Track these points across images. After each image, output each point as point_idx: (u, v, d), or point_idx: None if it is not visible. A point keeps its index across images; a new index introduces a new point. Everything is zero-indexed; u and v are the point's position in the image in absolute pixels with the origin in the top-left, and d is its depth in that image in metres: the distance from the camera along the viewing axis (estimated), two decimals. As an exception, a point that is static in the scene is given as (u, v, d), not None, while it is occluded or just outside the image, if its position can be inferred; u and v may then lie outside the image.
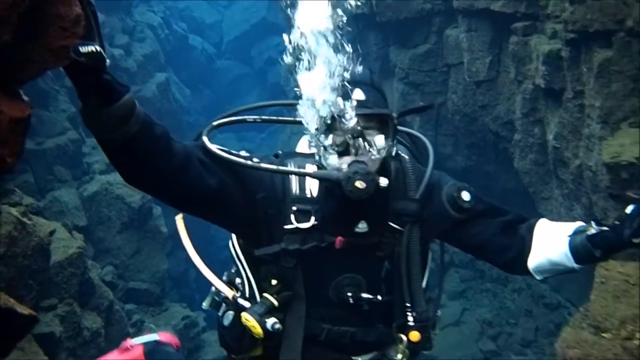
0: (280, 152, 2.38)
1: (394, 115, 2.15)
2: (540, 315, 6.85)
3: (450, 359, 7.07)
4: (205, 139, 2.12)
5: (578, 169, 4.77)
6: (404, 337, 2.21)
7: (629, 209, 1.93)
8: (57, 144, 7.14)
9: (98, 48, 1.54)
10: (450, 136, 7.25)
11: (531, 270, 2.24)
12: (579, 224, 2.15)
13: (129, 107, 1.75)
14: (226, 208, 2.17)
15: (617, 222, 1.98)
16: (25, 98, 1.51)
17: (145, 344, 3.34)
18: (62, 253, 4.63)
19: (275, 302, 2.16)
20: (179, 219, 2.45)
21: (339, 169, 2.08)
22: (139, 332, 6.89)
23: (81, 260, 4.84)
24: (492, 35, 5.99)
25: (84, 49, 1.49)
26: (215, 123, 2.28)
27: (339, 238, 2.15)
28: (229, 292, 2.32)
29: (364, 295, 2.21)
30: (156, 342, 3.32)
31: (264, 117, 2.49)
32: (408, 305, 2.20)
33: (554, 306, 6.70)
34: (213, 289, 2.49)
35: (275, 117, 2.53)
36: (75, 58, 1.48)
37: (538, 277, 2.26)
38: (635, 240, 1.87)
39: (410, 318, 2.20)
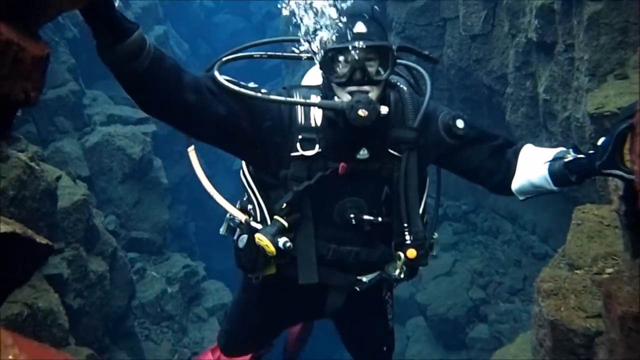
0: (286, 85, 2.55)
1: (394, 47, 2.30)
2: (528, 265, 7.09)
3: (442, 306, 7.39)
4: (216, 73, 2.28)
5: (567, 121, 4.91)
6: (401, 255, 2.42)
7: (601, 140, 2.09)
8: (58, 95, 7.22)
9: None
10: (445, 90, 7.34)
11: (514, 191, 2.46)
12: (560, 149, 2.35)
13: (139, 43, 1.92)
14: (235, 135, 2.35)
15: (590, 152, 2.15)
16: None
17: None
18: (67, 199, 4.80)
19: (285, 223, 2.38)
20: (191, 151, 2.63)
21: (342, 99, 2.24)
22: (141, 279, 7.16)
23: (86, 207, 5.01)
24: (487, -12, 6.06)
25: None
26: (224, 59, 2.43)
27: (342, 164, 2.35)
28: (242, 217, 2.53)
29: (366, 217, 2.43)
30: None
31: (269, 52, 2.63)
32: (405, 225, 2.41)
33: (541, 256, 6.92)
34: (228, 215, 2.71)
35: (280, 53, 2.67)
36: None
37: (521, 198, 2.51)
38: (604, 170, 2.05)
39: (407, 237, 2.41)
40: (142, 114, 7.58)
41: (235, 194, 2.72)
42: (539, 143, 5.68)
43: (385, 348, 3.09)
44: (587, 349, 2.41)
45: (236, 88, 2.27)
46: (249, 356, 3.21)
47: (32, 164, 3.81)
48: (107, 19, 1.80)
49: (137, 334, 6.29)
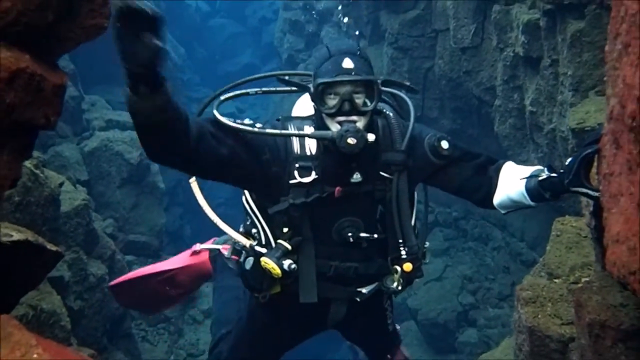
0: (280, 117, 2.73)
1: (379, 80, 2.50)
2: (516, 271, 7.25)
3: (432, 310, 7.57)
4: (216, 113, 2.44)
5: (552, 133, 5.09)
6: (398, 268, 2.61)
7: (568, 161, 2.28)
8: (58, 101, 7.35)
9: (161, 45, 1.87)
10: (437, 100, 7.52)
11: (496, 206, 2.66)
12: (536, 168, 2.53)
13: (167, 97, 2.08)
14: (238, 171, 2.53)
15: (561, 171, 2.33)
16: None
17: (210, 250, 3.68)
18: (68, 204, 4.95)
19: (289, 246, 2.56)
20: (193, 182, 2.80)
21: (332, 129, 2.43)
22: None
23: (86, 211, 5.17)
24: (476, 3, 6.22)
25: (155, 42, 1.85)
26: (222, 98, 2.61)
27: (338, 188, 2.54)
28: (246, 242, 2.71)
29: (362, 234, 2.61)
30: (219, 251, 3.59)
31: (264, 89, 2.81)
32: (400, 241, 2.60)
33: (530, 263, 7.09)
34: (232, 240, 2.88)
35: (274, 89, 2.86)
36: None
37: (502, 212, 2.70)
38: (572, 188, 2.22)
39: (403, 252, 2.60)
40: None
41: (230, 197, 2.88)
42: (526, 154, 5.92)
43: (388, 342, 3.26)
44: (562, 354, 2.57)
45: (236, 126, 2.44)
46: None
47: (37, 171, 3.95)
48: (152, 73, 1.98)
49: (135, 335, 6.43)
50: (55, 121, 1.70)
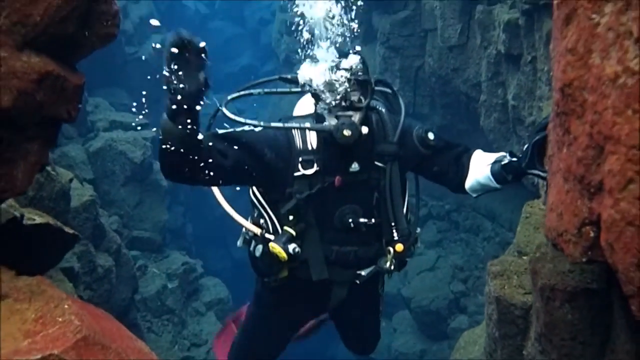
0: (281, 118, 3.04)
1: (372, 80, 2.80)
2: (506, 260, 7.52)
3: (425, 298, 7.87)
4: (225, 110, 2.72)
5: (532, 126, 5.37)
6: (391, 249, 2.91)
7: (524, 146, 2.60)
8: (63, 103, 7.65)
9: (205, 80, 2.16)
10: (427, 97, 7.81)
11: (467, 189, 3.00)
12: (500, 154, 2.86)
13: (198, 128, 2.38)
14: (243, 175, 2.82)
15: (520, 155, 2.66)
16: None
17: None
18: (77, 200, 5.24)
19: (294, 232, 2.84)
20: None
21: (330, 122, 2.73)
22: (143, 275, 7.59)
23: (94, 207, 5.47)
24: (462, 4, 6.51)
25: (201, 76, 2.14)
26: (229, 97, 2.86)
27: (338, 178, 2.83)
28: (257, 230, 2.98)
29: (361, 220, 2.89)
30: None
31: (266, 90, 3.11)
32: (393, 224, 2.89)
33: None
34: (243, 230, 3.15)
35: (275, 90, 3.15)
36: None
37: (473, 195, 3.03)
38: (528, 170, 2.56)
39: (395, 234, 2.89)
40: (143, 120, 8.05)
41: (234, 191, 3.16)
42: (510, 146, 6.22)
43: (375, 334, 3.59)
44: (525, 319, 2.86)
45: (241, 129, 2.73)
46: None
47: (48, 167, 4.25)
48: (189, 114, 2.29)
49: (140, 326, 6.73)
50: (76, 116, 2.00)
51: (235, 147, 2.73)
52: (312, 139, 2.87)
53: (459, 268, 7.99)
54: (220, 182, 2.82)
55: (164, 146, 2.42)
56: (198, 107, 2.34)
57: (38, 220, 2.56)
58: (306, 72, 2.70)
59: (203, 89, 2.25)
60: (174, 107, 2.28)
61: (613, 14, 1.48)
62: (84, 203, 5.34)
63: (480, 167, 2.90)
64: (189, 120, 2.33)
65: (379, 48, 8.12)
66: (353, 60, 2.71)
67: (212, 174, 2.65)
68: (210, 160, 2.61)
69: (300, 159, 2.82)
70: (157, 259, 8.06)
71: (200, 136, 2.45)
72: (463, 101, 7.25)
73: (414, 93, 7.82)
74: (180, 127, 2.33)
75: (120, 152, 7.93)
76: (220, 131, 2.74)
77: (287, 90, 3.06)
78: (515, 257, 3.40)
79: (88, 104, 8.45)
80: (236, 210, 3.09)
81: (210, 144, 2.66)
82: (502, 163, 2.76)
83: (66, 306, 1.66)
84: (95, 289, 5.33)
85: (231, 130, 2.79)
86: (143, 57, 10.43)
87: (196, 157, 2.51)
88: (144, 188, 8.32)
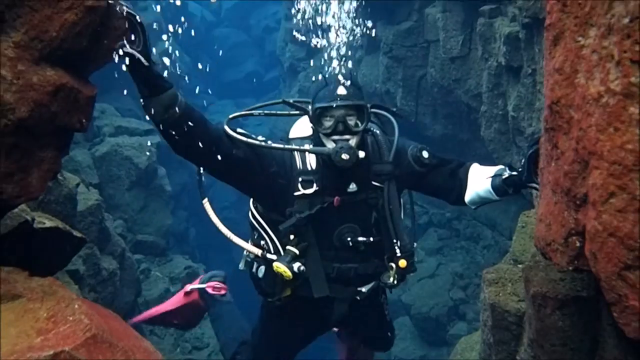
0: (282, 138, 3.15)
1: (368, 105, 2.92)
2: (505, 268, 7.59)
3: (425, 305, 7.95)
4: (226, 127, 2.80)
5: (532, 137, 5.46)
6: (394, 265, 3.00)
7: (522, 161, 2.71)
8: (70, 109, 7.76)
9: (136, 53, 2.23)
10: (430, 106, 7.89)
11: (467, 202, 3.11)
12: (499, 167, 2.98)
13: (171, 98, 2.48)
14: (248, 175, 2.92)
15: (519, 169, 2.76)
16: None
17: (199, 290, 4.01)
18: (83, 204, 5.33)
19: (297, 251, 2.93)
20: (206, 202, 3.13)
21: (328, 146, 2.84)
22: (146, 279, 7.67)
23: (99, 211, 5.56)
24: (464, 16, 6.61)
25: (125, 50, 2.20)
26: (231, 116, 2.96)
27: (336, 198, 2.93)
28: (258, 252, 3.07)
29: (360, 238, 3.00)
30: (205, 290, 3.96)
31: (266, 111, 3.22)
32: (395, 241, 2.99)
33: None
34: (245, 253, 3.23)
35: (274, 112, 3.26)
36: (119, 54, 2.19)
37: (473, 207, 3.17)
38: (528, 184, 2.69)
39: (397, 251, 2.99)
40: (148, 126, 8.17)
41: (236, 202, 3.26)
42: (509, 156, 6.31)
43: (387, 333, 3.67)
44: (518, 325, 2.94)
45: (244, 138, 2.82)
46: None
47: (57, 172, 4.35)
48: (147, 78, 2.39)
49: (143, 328, 6.80)
50: (88, 125, 2.10)
51: (247, 148, 2.83)
52: (311, 160, 2.97)
53: (458, 275, 8.06)
54: (225, 170, 2.88)
55: (159, 126, 2.56)
56: (164, 83, 2.47)
57: (48, 224, 2.66)
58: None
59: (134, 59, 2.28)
60: (137, 79, 2.39)
61: (597, 38, 1.57)
62: (90, 207, 5.43)
63: (480, 180, 3.00)
64: (149, 92, 2.45)
65: (382, 58, 8.22)
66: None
67: (218, 157, 2.74)
68: (219, 144, 2.72)
69: (300, 179, 2.92)
70: (160, 263, 8.14)
71: (186, 111, 2.55)
72: (464, 111, 7.34)
73: (416, 103, 7.91)
74: (145, 98, 2.46)
75: (125, 157, 8.02)
76: (232, 132, 2.83)
77: (287, 112, 3.18)
78: (511, 265, 3.49)
79: (94, 109, 8.51)
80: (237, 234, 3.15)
81: (222, 131, 2.78)
82: (504, 177, 2.87)
83: (76, 306, 1.75)
84: (100, 292, 5.41)
85: (245, 132, 2.89)
86: (149, 64, 10.46)
87: (189, 132, 2.59)
88: (148, 193, 8.41)
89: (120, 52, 2.18)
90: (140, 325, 6.66)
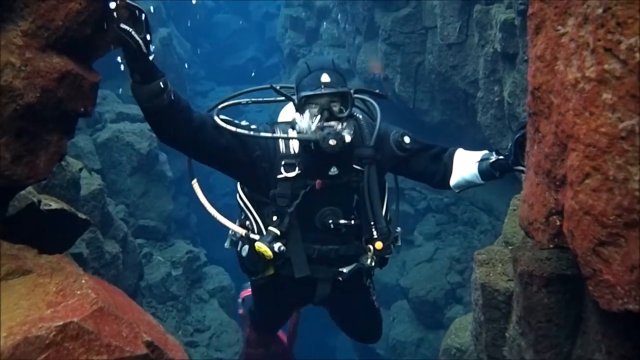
0: (268, 122, 3.23)
1: (352, 91, 2.99)
2: (501, 253, 7.70)
3: (422, 289, 8.08)
4: (216, 118, 2.87)
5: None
6: (371, 247, 3.10)
7: (509, 145, 2.80)
8: (72, 95, 7.84)
9: (135, 35, 2.31)
10: (427, 92, 7.95)
11: (452, 186, 3.19)
12: (484, 152, 3.06)
13: (161, 86, 2.55)
14: (232, 160, 3.00)
15: (506, 153, 2.85)
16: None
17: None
18: (86, 189, 5.44)
19: (278, 232, 3.02)
20: (195, 183, 3.21)
21: (315, 132, 2.91)
22: (148, 263, 7.80)
23: (102, 195, 5.67)
24: (461, 2, 6.64)
25: (122, 27, 2.25)
26: (220, 106, 3.02)
27: (318, 181, 3.01)
28: (242, 231, 3.15)
29: (341, 221, 3.08)
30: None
31: (253, 99, 3.28)
32: (372, 223, 3.07)
33: (514, 244, 7.52)
34: (230, 232, 3.33)
35: (261, 99, 3.32)
36: (118, 31, 2.26)
37: (456, 191, 3.25)
38: (515, 167, 2.77)
39: (374, 233, 3.08)
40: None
41: (234, 189, 3.34)
42: (506, 142, 6.40)
43: (375, 322, 3.77)
44: (507, 304, 3.04)
45: (233, 129, 2.90)
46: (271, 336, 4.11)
47: (60, 157, 4.44)
48: (141, 65, 2.46)
49: (145, 309, 6.94)
50: (92, 111, 2.19)
51: (231, 134, 2.90)
52: (294, 144, 3.04)
53: (456, 260, 8.18)
54: (208, 157, 2.97)
55: (145, 112, 2.64)
56: (156, 72, 2.53)
57: (54, 205, 2.76)
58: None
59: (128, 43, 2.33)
60: (132, 65, 2.45)
61: (574, 27, 1.66)
62: (93, 192, 5.54)
63: (466, 164, 3.09)
64: (141, 78, 2.51)
65: (380, 44, 8.28)
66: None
67: (202, 144, 2.84)
68: (203, 131, 2.79)
69: (283, 162, 2.99)
70: (162, 247, 8.27)
71: (173, 100, 2.61)
72: (462, 97, 7.40)
73: (414, 89, 7.97)
74: (136, 84, 2.52)
75: (127, 143, 8.13)
76: (220, 121, 2.90)
77: (273, 99, 3.25)
78: (502, 247, 3.58)
79: (96, 95, 8.61)
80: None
81: (206, 119, 2.85)
82: (490, 161, 2.96)
83: (83, 281, 1.86)
84: (103, 275, 5.52)
85: (230, 119, 2.96)
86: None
87: (174, 119, 2.68)
88: (149, 178, 8.53)
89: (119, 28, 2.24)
90: (142, 307, 6.82)
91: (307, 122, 2.94)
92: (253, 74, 16.04)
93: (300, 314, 4.32)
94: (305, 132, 2.96)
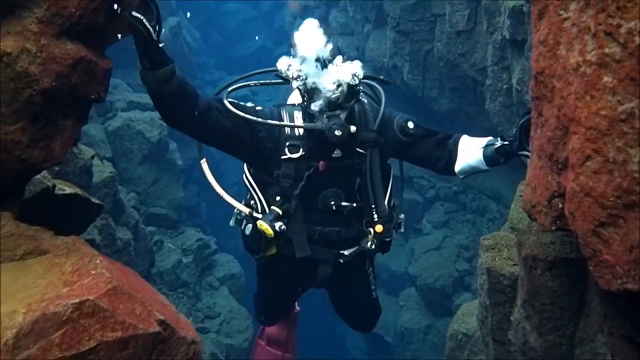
0: (274, 104, 3.26)
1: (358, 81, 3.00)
2: (510, 240, 7.72)
3: (430, 276, 8.12)
4: (225, 101, 2.92)
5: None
6: (371, 230, 3.15)
7: (515, 130, 2.83)
8: (83, 84, 7.92)
9: (146, 22, 2.36)
10: (436, 80, 7.94)
11: (457, 172, 3.22)
12: (489, 138, 3.09)
13: (170, 72, 2.60)
14: (237, 142, 3.06)
15: (510, 138, 2.88)
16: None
17: None
18: (98, 176, 5.51)
19: (280, 212, 3.08)
20: (204, 162, 3.26)
21: (321, 121, 2.95)
22: (159, 250, 7.89)
23: (113, 183, 5.75)
24: (470, -11, 6.66)
25: (134, 14, 2.30)
26: (229, 89, 3.06)
27: (321, 162, 3.06)
28: (246, 210, 3.22)
29: (344, 203, 3.13)
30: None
31: (261, 81, 3.32)
32: (373, 206, 3.12)
33: (522, 232, 7.54)
34: (235, 210, 3.39)
35: (269, 81, 3.36)
36: (129, 19, 2.30)
37: (461, 177, 3.28)
38: (520, 152, 2.81)
39: (375, 216, 3.13)
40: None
41: (241, 180, 3.38)
42: (514, 129, 6.35)
43: (370, 311, 3.82)
44: (513, 288, 3.08)
45: (239, 113, 2.94)
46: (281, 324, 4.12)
47: (72, 144, 4.51)
48: (150, 52, 2.51)
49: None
50: (105, 96, 2.24)
51: (236, 116, 2.94)
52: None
53: (464, 248, 8.21)
54: (214, 140, 3.03)
55: (153, 97, 2.68)
56: (166, 59, 2.57)
57: (68, 190, 2.82)
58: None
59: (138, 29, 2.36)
60: (144, 51, 2.49)
61: (576, 11, 1.69)
62: (105, 179, 5.62)
63: (471, 150, 3.12)
64: (151, 64, 2.55)
65: (389, 32, 8.27)
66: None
67: (207, 128, 2.89)
68: (208, 115, 2.84)
69: (287, 143, 3.04)
70: (172, 235, 8.36)
71: (181, 85, 2.66)
72: (470, 85, 7.39)
73: (423, 77, 7.97)
74: (145, 70, 2.56)
75: (137, 132, 8.20)
76: (228, 104, 2.96)
77: (280, 81, 3.27)
78: (508, 232, 3.62)
79: (107, 84, 8.67)
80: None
81: (212, 102, 2.90)
82: (495, 146, 2.99)
83: (98, 261, 1.92)
84: (115, 260, 5.61)
85: (236, 101, 3.01)
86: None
87: (182, 104, 2.72)
88: (160, 167, 8.60)
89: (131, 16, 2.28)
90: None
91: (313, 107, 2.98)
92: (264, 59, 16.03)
93: (296, 328, 4.35)
94: (310, 118, 2.99)
